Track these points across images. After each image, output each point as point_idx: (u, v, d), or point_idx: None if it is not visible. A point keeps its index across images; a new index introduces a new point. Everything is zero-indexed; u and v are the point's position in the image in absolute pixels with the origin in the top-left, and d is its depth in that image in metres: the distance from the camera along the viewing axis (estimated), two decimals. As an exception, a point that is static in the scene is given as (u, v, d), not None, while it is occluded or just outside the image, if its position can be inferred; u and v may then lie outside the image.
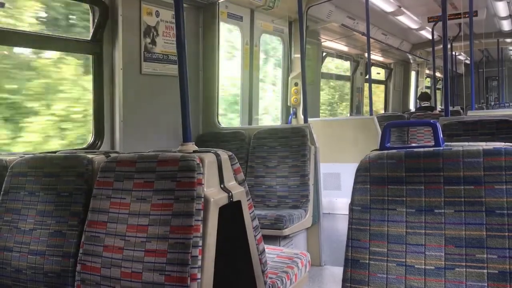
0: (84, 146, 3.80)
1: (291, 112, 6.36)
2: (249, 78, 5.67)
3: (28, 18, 3.50)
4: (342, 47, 9.04)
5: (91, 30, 3.75)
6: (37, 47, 3.52)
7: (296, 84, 6.25)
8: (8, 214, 2.28)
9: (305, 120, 4.51)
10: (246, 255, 2.02)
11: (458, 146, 1.62)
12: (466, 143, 1.68)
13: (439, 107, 10.82)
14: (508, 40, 11.96)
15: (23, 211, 2.25)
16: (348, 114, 9.86)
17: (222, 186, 1.93)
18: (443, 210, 1.55)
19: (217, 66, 4.79)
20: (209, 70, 4.79)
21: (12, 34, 3.26)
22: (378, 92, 12.21)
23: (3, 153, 2.80)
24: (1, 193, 2.34)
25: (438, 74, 14.26)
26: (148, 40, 4.06)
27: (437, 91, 15.10)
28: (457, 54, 11.87)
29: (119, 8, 3.78)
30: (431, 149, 1.63)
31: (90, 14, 3.78)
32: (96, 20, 3.74)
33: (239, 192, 1.98)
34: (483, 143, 1.65)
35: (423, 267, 1.54)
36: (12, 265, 2.19)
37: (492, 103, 16.22)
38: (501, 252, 1.46)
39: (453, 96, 10.33)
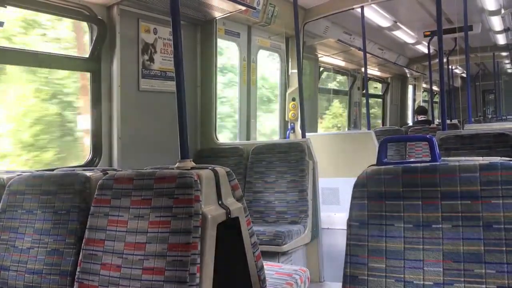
0: (82, 163, 3.80)
1: (289, 127, 6.37)
2: (246, 94, 5.70)
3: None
4: (339, 62, 9.10)
5: (90, 48, 3.77)
6: (36, 65, 3.53)
7: (293, 99, 6.27)
8: (5, 232, 2.27)
9: (303, 135, 4.52)
10: (245, 272, 2.00)
11: (455, 161, 1.63)
12: (463, 158, 1.69)
13: (436, 120, 10.84)
14: (504, 53, 12.05)
15: (20, 229, 2.23)
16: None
17: (220, 202, 1.92)
18: (440, 225, 1.55)
19: (214, 82, 4.80)
20: (206, 86, 4.81)
21: (10, 52, 3.27)
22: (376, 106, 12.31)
23: (1, 171, 2.79)
24: None
25: (435, 88, 14.33)
26: (146, 57, 4.09)
27: (434, 104, 15.15)
28: (453, 68, 11.93)
29: (117, 25, 3.81)
30: (428, 164, 1.64)
31: (88, 32, 3.81)
32: (94, 38, 3.76)
33: (237, 208, 1.97)
34: (480, 158, 1.66)
35: (421, 282, 1.53)
36: (9, 284, 2.17)
37: (490, 116, 16.25)
38: (499, 267, 1.45)
39: (451, 110, 10.34)
